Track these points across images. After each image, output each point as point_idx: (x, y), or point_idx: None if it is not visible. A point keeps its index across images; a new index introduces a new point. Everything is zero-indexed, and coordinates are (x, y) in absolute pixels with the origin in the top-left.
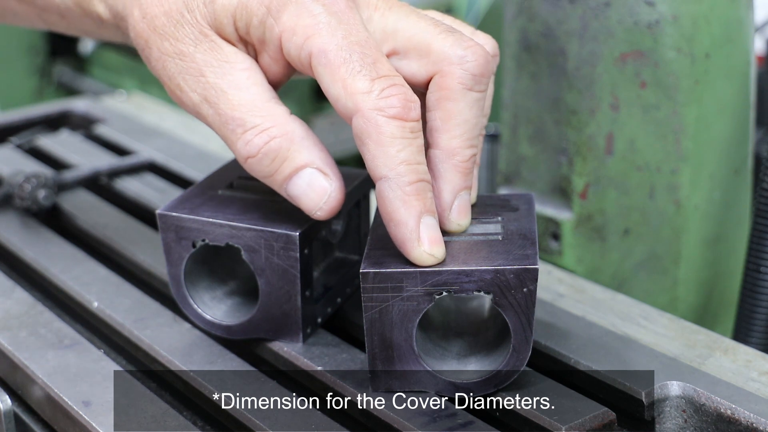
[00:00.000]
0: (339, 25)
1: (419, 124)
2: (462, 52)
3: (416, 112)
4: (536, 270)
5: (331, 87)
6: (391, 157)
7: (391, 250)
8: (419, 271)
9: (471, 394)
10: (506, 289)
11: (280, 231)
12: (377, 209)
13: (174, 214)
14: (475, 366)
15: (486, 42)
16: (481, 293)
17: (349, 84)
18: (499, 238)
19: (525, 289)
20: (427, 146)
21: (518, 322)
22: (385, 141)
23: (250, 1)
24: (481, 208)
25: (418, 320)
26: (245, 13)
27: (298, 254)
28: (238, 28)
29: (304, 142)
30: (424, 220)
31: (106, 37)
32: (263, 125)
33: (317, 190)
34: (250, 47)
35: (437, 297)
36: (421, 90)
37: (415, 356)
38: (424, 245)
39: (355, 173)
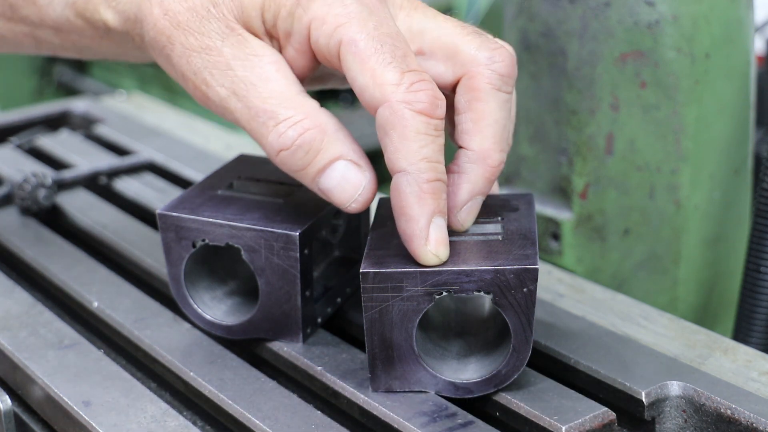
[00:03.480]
0: (370, 16)
1: (443, 123)
2: (490, 54)
3: (442, 110)
4: (536, 270)
5: (359, 76)
6: (413, 152)
7: (391, 250)
8: (419, 271)
9: (471, 394)
10: (506, 289)
11: (280, 231)
12: (377, 209)
13: (174, 214)
14: (475, 366)
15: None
16: (481, 293)
17: (378, 74)
18: (499, 238)
19: (525, 289)
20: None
21: (518, 322)
22: (409, 135)
23: None
24: (481, 208)
25: (418, 320)
26: (274, 5)
27: (298, 254)
28: (266, 20)
29: (338, 134)
30: (435, 220)
31: (103, 51)
32: (296, 117)
33: (352, 182)
34: (275, 41)
35: (437, 297)
36: (444, 92)
37: (415, 356)
38: (430, 245)
39: None
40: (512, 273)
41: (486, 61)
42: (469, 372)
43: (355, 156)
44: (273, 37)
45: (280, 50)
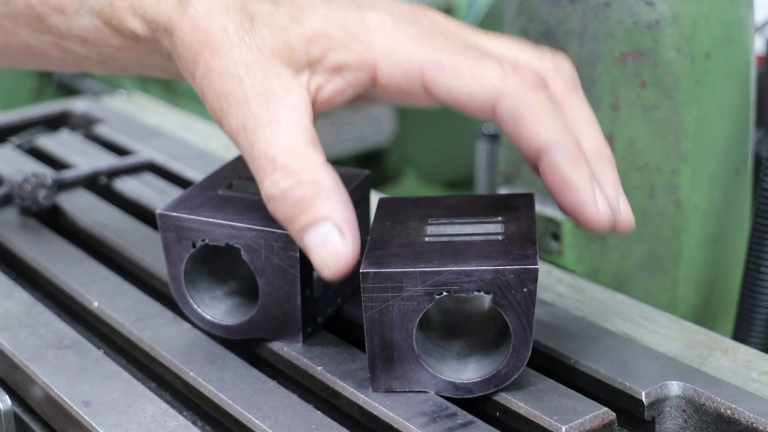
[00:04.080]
0: (436, 34)
1: None
2: (553, 63)
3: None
4: (536, 270)
5: (461, 86)
6: (551, 123)
7: (391, 250)
8: (419, 271)
9: (471, 394)
10: (506, 289)
11: (280, 231)
12: (377, 209)
13: (174, 214)
14: (475, 366)
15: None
16: (481, 293)
17: (479, 74)
18: (499, 238)
19: (525, 289)
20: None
21: (518, 322)
22: (540, 112)
23: (330, 29)
24: (481, 208)
25: (418, 320)
26: (324, 41)
27: (298, 254)
28: (311, 54)
29: (331, 195)
30: (594, 183)
31: (129, 61)
32: (294, 169)
33: (330, 249)
34: (316, 75)
35: (437, 297)
36: None
37: (415, 356)
38: (602, 207)
39: (355, 173)
40: (512, 273)
41: (553, 70)
42: (469, 372)
43: (341, 222)
44: (315, 71)
45: (320, 84)
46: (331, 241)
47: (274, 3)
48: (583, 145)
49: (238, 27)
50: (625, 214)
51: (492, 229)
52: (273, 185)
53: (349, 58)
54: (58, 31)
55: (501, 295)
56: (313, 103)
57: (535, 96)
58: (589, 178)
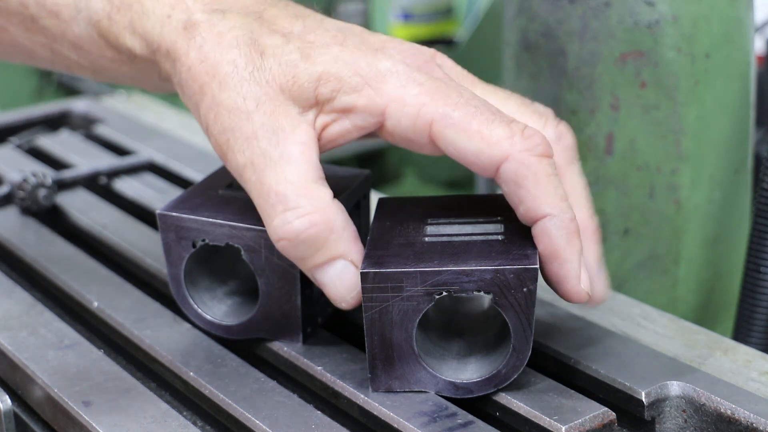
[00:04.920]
0: (448, 88)
1: None
2: (555, 131)
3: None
4: (536, 270)
5: (468, 144)
6: (552, 195)
7: (390, 251)
8: (419, 271)
9: (471, 393)
10: (506, 289)
11: None
12: (377, 209)
13: (174, 214)
14: (475, 366)
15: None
16: (481, 293)
17: (487, 135)
18: (499, 238)
19: (525, 289)
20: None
21: (518, 322)
22: (542, 180)
23: (341, 70)
24: (481, 208)
25: (418, 320)
26: (334, 80)
27: None
28: (319, 93)
29: (343, 232)
30: (581, 259)
31: (122, 75)
32: (305, 208)
33: (346, 283)
34: (323, 114)
35: (437, 297)
36: None
37: (415, 356)
38: (583, 284)
39: (355, 173)
40: (512, 273)
41: (555, 138)
42: (469, 372)
43: (355, 256)
44: (322, 110)
45: (326, 123)
46: (347, 276)
47: (285, 37)
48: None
49: (247, 61)
50: (601, 289)
51: (492, 229)
52: (285, 225)
53: (358, 102)
54: (50, 34)
55: (501, 295)
56: (318, 140)
57: (539, 163)
58: (578, 256)
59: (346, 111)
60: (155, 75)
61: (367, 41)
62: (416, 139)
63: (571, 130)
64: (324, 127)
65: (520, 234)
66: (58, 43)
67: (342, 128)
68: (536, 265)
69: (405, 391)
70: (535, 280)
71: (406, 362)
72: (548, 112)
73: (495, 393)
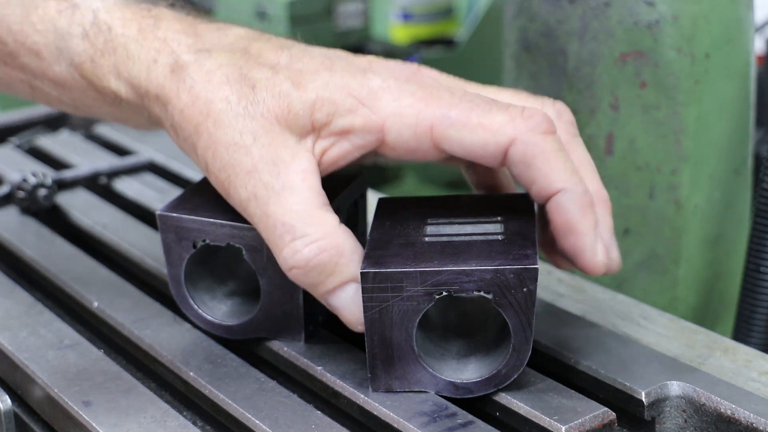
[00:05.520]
0: (439, 91)
1: None
2: (554, 108)
3: (558, 120)
4: (536, 270)
5: (472, 138)
6: (563, 170)
7: (390, 251)
8: (419, 271)
9: (471, 393)
10: (506, 289)
11: None
12: (377, 209)
13: (174, 214)
14: (475, 366)
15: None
16: (481, 293)
17: (488, 124)
18: (499, 238)
19: (525, 289)
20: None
21: (518, 322)
22: (551, 157)
23: (333, 94)
24: (481, 208)
25: (418, 320)
26: (328, 105)
27: None
28: (315, 119)
29: (353, 255)
30: (596, 233)
31: (106, 114)
32: (314, 236)
33: (359, 306)
34: (321, 139)
35: (437, 297)
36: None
37: (415, 356)
38: (599, 255)
39: (353, 173)
40: (512, 273)
41: (555, 115)
42: (469, 372)
43: None
44: (320, 135)
45: (325, 148)
46: (359, 298)
47: (273, 69)
48: None
49: (240, 96)
50: (616, 258)
51: (492, 228)
52: (295, 254)
53: (355, 122)
54: (30, 71)
55: (501, 294)
56: (318, 165)
57: (545, 141)
58: (593, 227)
59: (344, 133)
60: (142, 117)
61: (353, 63)
62: (420, 147)
63: (568, 108)
64: (323, 152)
65: (520, 234)
66: (38, 80)
67: (342, 150)
68: (536, 265)
69: (405, 391)
70: (535, 279)
71: (406, 362)
72: (543, 97)
73: (495, 393)
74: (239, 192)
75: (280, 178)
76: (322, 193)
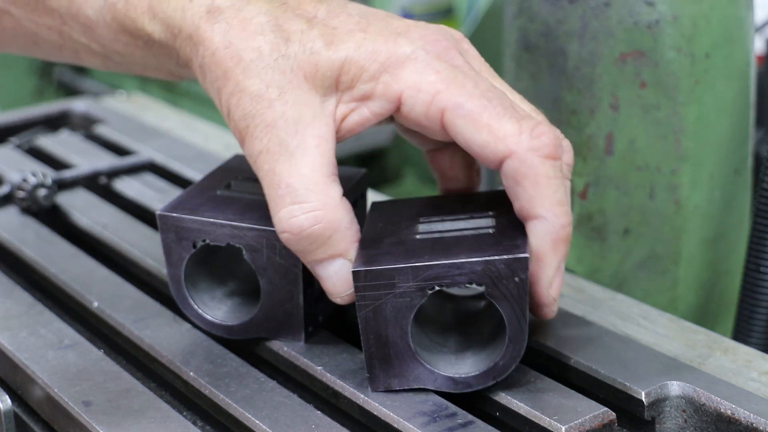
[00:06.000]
0: (465, 78)
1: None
2: (564, 144)
3: (563, 152)
4: (526, 259)
5: (476, 135)
6: (548, 198)
7: (382, 249)
8: (410, 267)
9: (470, 388)
10: (497, 280)
11: None
12: (370, 212)
13: (174, 214)
14: (472, 360)
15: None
16: (473, 285)
17: (495, 128)
18: (490, 231)
19: (516, 279)
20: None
21: (512, 312)
22: (541, 182)
23: (361, 57)
24: (473, 205)
25: (412, 316)
26: (354, 68)
27: None
28: (341, 81)
29: (347, 231)
30: (559, 266)
31: (135, 60)
32: (313, 205)
33: (344, 280)
34: (345, 102)
35: (429, 292)
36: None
37: (411, 353)
38: (553, 290)
39: (353, 172)
40: (503, 263)
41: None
42: (467, 366)
43: (355, 255)
44: (342, 99)
45: (345, 114)
46: (344, 274)
47: (310, 22)
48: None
49: (272, 48)
50: (555, 295)
51: (483, 223)
52: (290, 219)
53: (376, 89)
54: (59, 15)
55: (493, 285)
56: (337, 131)
57: (542, 164)
58: (558, 260)
59: (364, 99)
60: (172, 61)
61: (390, 25)
62: (428, 126)
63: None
64: (344, 118)
65: (510, 226)
66: (67, 25)
67: (361, 117)
68: (526, 254)
69: (405, 390)
70: (526, 269)
71: (403, 360)
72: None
73: (495, 393)
74: (254, 143)
75: (296, 138)
76: (334, 162)
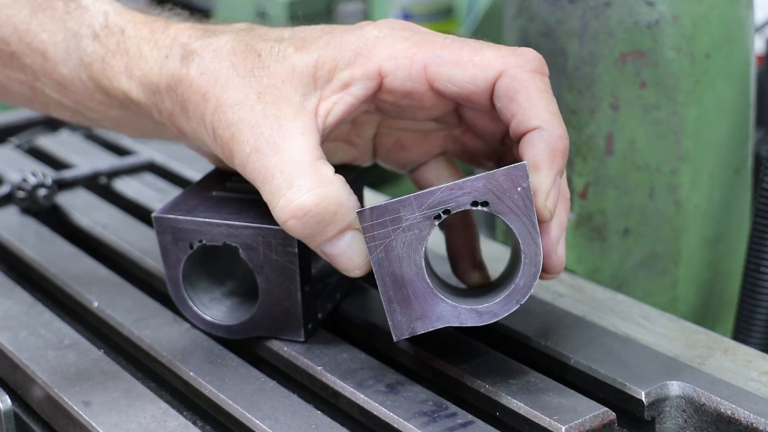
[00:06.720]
0: (433, 36)
1: None
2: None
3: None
4: (524, 165)
5: (463, 74)
6: (543, 109)
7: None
8: (413, 196)
9: (496, 317)
10: (501, 193)
11: (277, 227)
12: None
13: (170, 216)
14: (493, 294)
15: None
16: (479, 207)
17: (478, 60)
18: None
19: (519, 188)
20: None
21: (521, 225)
22: (534, 94)
23: (332, 51)
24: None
25: (423, 249)
26: (329, 62)
27: (296, 249)
28: (318, 78)
29: (349, 203)
30: (557, 180)
31: (110, 118)
32: (311, 184)
33: (357, 251)
34: (326, 98)
35: (436, 222)
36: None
37: (429, 289)
38: (549, 202)
39: (350, 168)
40: (502, 174)
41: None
42: (488, 299)
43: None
44: (323, 95)
45: (329, 109)
46: (357, 245)
47: (278, 39)
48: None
49: (246, 63)
50: (562, 254)
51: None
52: (290, 204)
53: (355, 73)
54: (32, 72)
55: (497, 200)
56: (325, 127)
57: (532, 78)
58: (555, 173)
59: (345, 86)
60: (148, 119)
61: (353, 25)
62: (416, 89)
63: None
64: (327, 113)
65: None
66: (40, 81)
67: (346, 105)
68: (524, 161)
69: (428, 333)
70: (527, 176)
71: (422, 298)
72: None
73: (495, 393)
74: (242, 148)
75: (281, 132)
76: (320, 150)
